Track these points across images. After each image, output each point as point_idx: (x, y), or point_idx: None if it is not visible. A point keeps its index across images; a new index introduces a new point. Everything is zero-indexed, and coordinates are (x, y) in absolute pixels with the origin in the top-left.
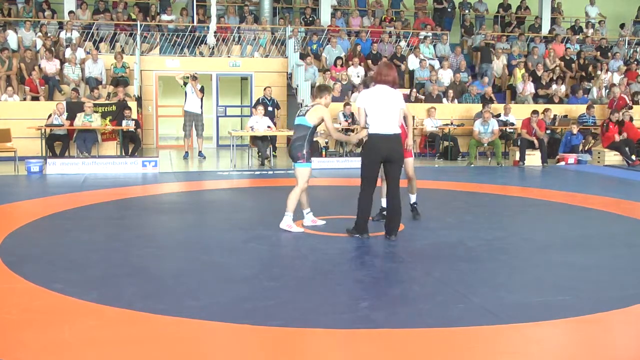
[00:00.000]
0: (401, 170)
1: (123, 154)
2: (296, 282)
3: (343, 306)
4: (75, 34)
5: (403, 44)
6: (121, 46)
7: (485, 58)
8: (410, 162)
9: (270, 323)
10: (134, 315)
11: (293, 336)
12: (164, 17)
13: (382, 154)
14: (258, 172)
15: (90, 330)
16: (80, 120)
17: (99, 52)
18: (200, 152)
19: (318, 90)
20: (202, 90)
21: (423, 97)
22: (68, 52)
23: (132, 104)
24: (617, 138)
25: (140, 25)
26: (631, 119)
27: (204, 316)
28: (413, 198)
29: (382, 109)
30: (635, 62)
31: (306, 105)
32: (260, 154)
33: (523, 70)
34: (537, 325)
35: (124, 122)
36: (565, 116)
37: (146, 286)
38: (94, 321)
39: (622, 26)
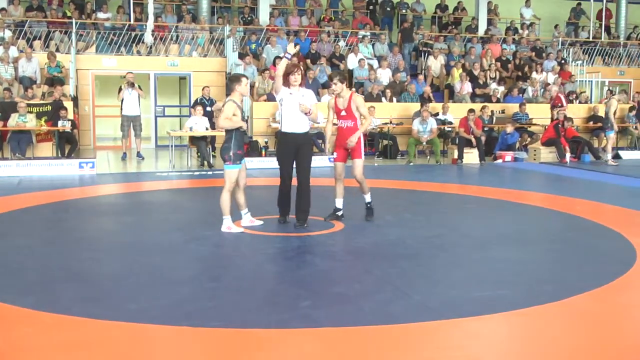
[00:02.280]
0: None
1: (59, 155)
2: (236, 282)
3: (283, 306)
4: (7, 33)
5: (342, 43)
6: (56, 44)
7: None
8: (357, 163)
9: (211, 324)
10: (72, 320)
11: (233, 337)
12: (100, 14)
13: None
14: (197, 173)
15: (25, 337)
16: (14, 121)
17: (33, 50)
18: (138, 152)
19: (230, 83)
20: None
21: (362, 97)
22: (0, 51)
23: (68, 104)
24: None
25: (76, 23)
26: (565, 117)
27: (143, 319)
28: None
29: None
30: (566, 62)
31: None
32: (199, 154)
33: (460, 70)
34: (477, 320)
35: (59, 123)
36: (503, 111)
37: (84, 290)
38: (30, 327)
39: (555, 27)
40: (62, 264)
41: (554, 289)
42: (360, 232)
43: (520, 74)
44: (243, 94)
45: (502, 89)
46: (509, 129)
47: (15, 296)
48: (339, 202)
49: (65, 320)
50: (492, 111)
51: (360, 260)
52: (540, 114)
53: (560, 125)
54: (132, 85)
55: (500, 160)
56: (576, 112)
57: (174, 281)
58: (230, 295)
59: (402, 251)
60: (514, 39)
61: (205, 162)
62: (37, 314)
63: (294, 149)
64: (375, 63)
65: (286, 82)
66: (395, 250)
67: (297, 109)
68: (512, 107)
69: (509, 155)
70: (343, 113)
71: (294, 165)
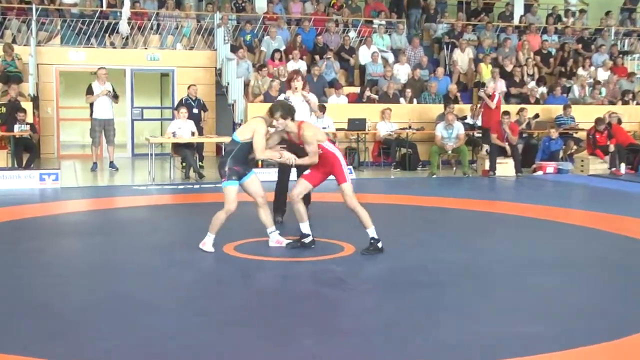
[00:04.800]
0: None
1: (16, 165)
2: (227, 315)
3: (283, 343)
4: None
5: (352, 34)
6: (12, 34)
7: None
8: (345, 189)
9: None
10: None
11: None
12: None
13: None
14: (182, 187)
15: None
16: None
17: None
18: (111, 162)
19: (275, 111)
20: (115, 95)
21: (377, 97)
22: None
23: (27, 105)
24: (612, 148)
25: (37, 10)
26: (619, 121)
27: (115, 359)
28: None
29: None
30: (622, 56)
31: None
32: (184, 164)
33: (491, 66)
34: None
35: (16, 127)
36: (537, 115)
37: (45, 325)
38: None
39: (607, 14)
40: (19, 293)
41: (606, 325)
42: (373, 257)
43: (564, 70)
44: (276, 127)
45: (542, 88)
46: (554, 134)
47: None
48: (303, 227)
49: None
50: (536, 114)
51: (372, 290)
52: (588, 118)
53: (591, 136)
54: (103, 83)
55: (540, 172)
56: (633, 116)
57: (153, 314)
58: (220, 330)
59: (421, 279)
60: (556, 28)
61: (193, 173)
62: None
63: (292, 150)
64: (390, 57)
65: (288, 87)
66: (413, 277)
67: (298, 111)
68: (555, 110)
69: (550, 167)
70: (301, 146)
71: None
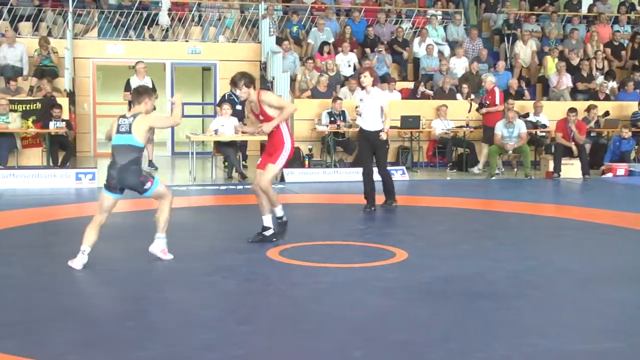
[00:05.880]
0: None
1: (51, 164)
2: (272, 325)
3: (330, 355)
4: None
5: (406, 25)
6: (48, 27)
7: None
8: (269, 170)
9: None
10: None
11: None
12: None
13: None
14: (224, 187)
15: None
16: None
17: (19, 34)
18: (150, 161)
19: (136, 95)
20: (153, 88)
21: (432, 93)
22: None
23: (63, 101)
24: None
25: (73, 1)
26: None
27: None
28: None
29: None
30: None
31: (124, 118)
32: (227, 164)
33: (557, 59)
34: None
35: (51, 124)
36: (607, 113)
37: (81, 332)
38: None
39: None
40: (51, 299)
41: None
42: (427, 264)
43: (637, 63)
44: (149, 111)
45: (612, 83)
46: (626, 133)
47: None
48: (267, 220)
49: None
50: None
51: (427, 300)
52: None
53: None
54: (142, 78)
55: (609, 175)
56: None
57: (193, 322)
58: (264, 341)
59: (481, 289)
60: (629, 17)
61: (236, 174)
62: None
63: (370, 144)
64: (446, 49)
65: (358, 84)
66: (472, 287)
67: (369, 109)
68: (627, 106)
69: (621, 168)
70: (261, 117)
71: (374, 159)
